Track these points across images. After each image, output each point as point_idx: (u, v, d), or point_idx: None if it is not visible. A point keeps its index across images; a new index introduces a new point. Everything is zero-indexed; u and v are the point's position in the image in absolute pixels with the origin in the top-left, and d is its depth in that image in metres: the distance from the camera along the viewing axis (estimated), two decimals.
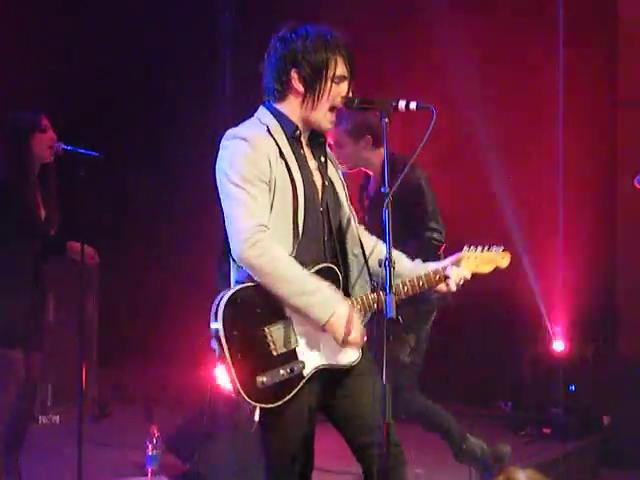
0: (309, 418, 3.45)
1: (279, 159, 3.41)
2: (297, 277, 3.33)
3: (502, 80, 7.26)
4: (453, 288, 3.60)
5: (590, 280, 7.29)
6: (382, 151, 4.88)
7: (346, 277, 3.53)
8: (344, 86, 3.47)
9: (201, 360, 5.25)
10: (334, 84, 3.45)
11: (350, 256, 3.56)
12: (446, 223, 5.13)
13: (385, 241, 3.22)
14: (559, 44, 7.29)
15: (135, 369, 7.22)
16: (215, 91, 6.60)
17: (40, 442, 6.36)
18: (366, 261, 3.57)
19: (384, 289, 3.16)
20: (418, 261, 3.70)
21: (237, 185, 3.35)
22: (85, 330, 6.73)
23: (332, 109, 3.48)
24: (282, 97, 3.49)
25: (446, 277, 3.60)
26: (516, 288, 6.97)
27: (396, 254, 3.52)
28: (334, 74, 3.44)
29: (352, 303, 3.45)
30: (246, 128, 3.47)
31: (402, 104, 3.36)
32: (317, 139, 3.58)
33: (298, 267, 3.35)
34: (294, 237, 3.39)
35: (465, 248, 3.68)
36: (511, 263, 3.72)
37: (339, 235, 3.56)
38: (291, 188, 3.40)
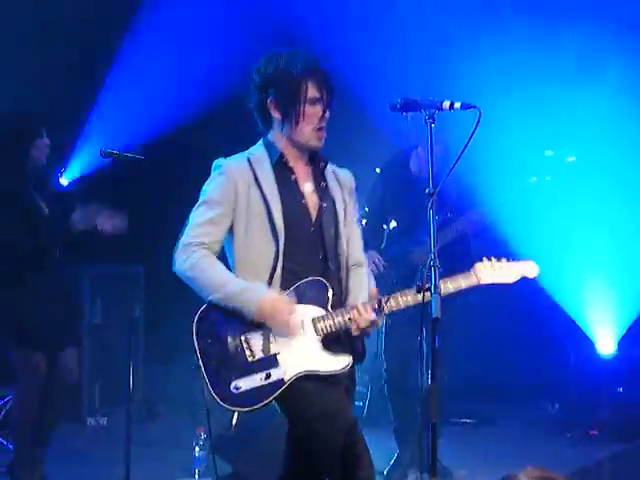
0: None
1: (253, 187, 3.59)
2: (222, 282, 3.51)
3: None
4: (362, 326, 3.56)
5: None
6: None
7: (342, 290, 3.67)
8: (318, 107, 3.59)
9: None
10: (309, 106, 3.58)
11: (347, 269, 3.70)
12: None
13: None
14: None
15: (183, 370, 7.26)
16: None
17: (88, 443, 6.44)
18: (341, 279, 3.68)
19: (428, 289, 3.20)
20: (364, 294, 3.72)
21: (198, 206, 3.63)
22: (133, 332, 6.80)
23: (319, 129, 3.61)
24: (267, 126, 3.69)
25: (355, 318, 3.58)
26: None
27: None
28: (306, 97, 3.57)
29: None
30: (228, 159, 3.69)
31: (447, 104, 3.37)
32: (318, 164, 3.73)
33: (224, 272, 3.54)
34: (275, 258, 3.54)
35: (484, 259, 3.72)
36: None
37: (335, 251, 3.68)
38: (266, 213, 3.57)
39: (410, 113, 3.41)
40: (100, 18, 7.33)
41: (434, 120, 3.39)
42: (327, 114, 3.61)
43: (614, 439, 6.44)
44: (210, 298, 3.53)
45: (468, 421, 7.06)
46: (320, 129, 3.61)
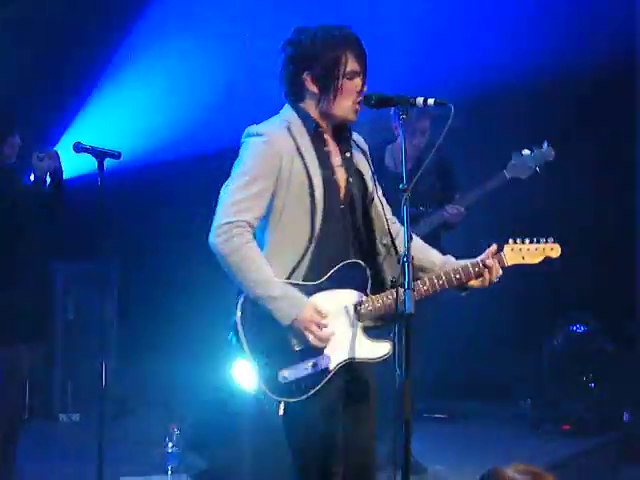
0: (335, 414, 3.44)
1: (296, 157, 3.43)
2: (262, 279, 3.35)
3: None
4: (493, 279, 3.57)
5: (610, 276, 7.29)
6: None
7: (377, 270, 3.52)
8: (358, 81, 3.48)
9: (221, 357, 5.27)
10: (347, 80, 3.46)
11: (379, 247, 3.55)
12: None
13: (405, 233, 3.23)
14: None
15: (155, 366, 7.24)
16: None
17: (60, 440, 6.42)
18: (397, 251, 3.54)
19: (402, 285, 3.16)
20: (449, 256, 3.67)
21: (238, 178, 3.40)
22: (106, 328, 6.76)
23: (354, 102, 3.49)
24: (300, 98, 3.52)
25: (487, 267, 3.55)
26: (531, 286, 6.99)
27: (423, 248, 3.60)
28: (345, 71, 3.45)
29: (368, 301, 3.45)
30: (266, 125, 3.50)
31: (420, 100, 3.37)
32: (343, 133, 3.59)
33: (267, 269, 3.36)
34: (310, 234, 3.41)
35: (510, 240, 3.65)
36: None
37: (366, 228, 3.56)
38: (308, 186, 3.42)
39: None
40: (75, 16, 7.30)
41: (408, 116, 3.40)
42: (365, 87, 3.50)
43: (586, 434, 6.48)
44: (247, 291, 3.36)
45: (442, 417, 7.08)
46: (358, 103, 3.49)
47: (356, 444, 3.51)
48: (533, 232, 3.72)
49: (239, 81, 7.26)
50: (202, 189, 7.21)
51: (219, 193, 3.44)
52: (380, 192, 3.62)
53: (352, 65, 3.46)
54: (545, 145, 5.54)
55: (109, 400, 6.90)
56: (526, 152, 5.41)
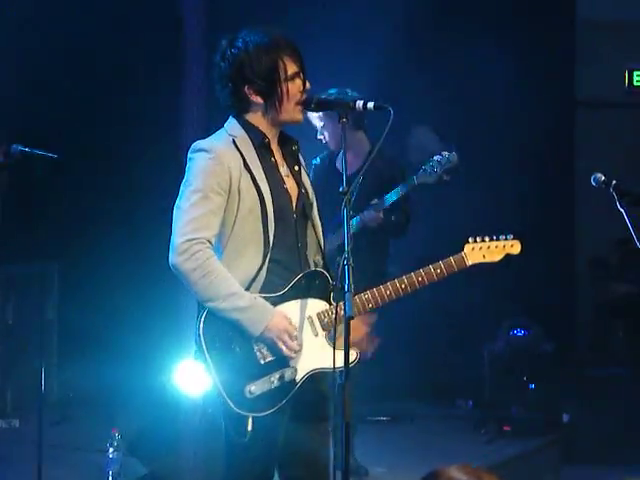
0: (301, 427, 3.47)
1: (244, 171, 3.41)
2: (229, 292, 3.33)
3: None
4: None
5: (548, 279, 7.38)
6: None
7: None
8: (299, 81, 3.48)
9: (163, 361, 5.24)
10: (289, 83, 3.45)
11: (311, 263, 3.55)
12: None
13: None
14: None
15: (96, 371, 7.17)
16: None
17: None
18: (327, 269, 3.56)
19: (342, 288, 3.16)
20: None
21: (191, 196, 3.37)
22: (45, 332, 6.69)
23: (298, 103, 3.48)
24: (244, 111, 3.50)
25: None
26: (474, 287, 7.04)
27: None
28: (286, 75, 3.44)
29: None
30: (212, 141, 3.48)
31: (359, 104, 3.38)
32: (290, 146, 3.58)
33: (232, 281, 3.34)
34: (265, 246, 3.40)
35: (470, 239, 3.63)
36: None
37: (313, 239, 3.57)
38: (258, 199, 3.41)
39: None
40: None
41: (348, 120, 3.40)
42: (308, 85, 3.49)
43: (527, 435, 6.55)
44: (211, 305, 3.32)
45: (384, 419, 7.10)
46: (299, 103, 3.47)
47: (313, 456, 3.51)
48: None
49: None
50: (145, 183, 7.24)
51: (172, 211, 3.41)
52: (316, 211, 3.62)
53: (290, 67, 3.45)
54: (451, 151, 5.58)
55: (49, 405, 6.85)
56: (433, 158, 5.47)
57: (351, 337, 3.17)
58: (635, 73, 7.96)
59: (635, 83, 7.99)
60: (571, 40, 7.87)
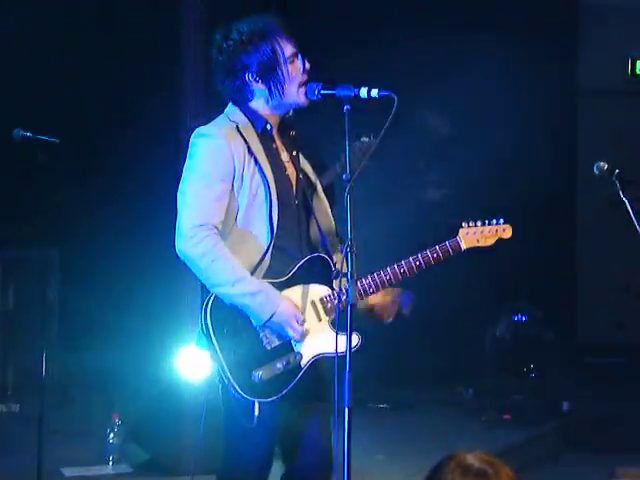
0: (303, 413, 3.49)
1: (248, 157, 3.41)
2: (239, 277, 3.33)
3: None
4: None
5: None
6: None
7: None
8: (298, 62, 3.48)
9: (164, 346, 5.25)
10: (289, 65, 3.46)
11: (327, 244, 3.55)
12: None
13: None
14: None
15: (97, 356, 7.18)
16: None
17: (0, 431, 6.33)
18: (330, 254, 3.55)
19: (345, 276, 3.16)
20: None
21: (194, 183, 3.38)
22: (46, 317, 6.68)
23: (301, 84, 3.48)
24: (249, 99, 3.50)
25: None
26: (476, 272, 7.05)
27: None
28: (285, 57, 3.45)
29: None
30: (215, 126, 3.48)
31: (364, 91, 3.37)
32: (288, 132, 3.58)
33: (240, 267, 3.35)
34: (269, 232, 3.41)
35: (464, 224, 3.62)
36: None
37: (315, 224, 3.55)
38: (263, 185, 3.41)
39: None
40: None
41: (352, 108, 3.39)
42: (307, 65, 3.49)
43: (527, 422, 6.56)
44: (219, 291, 3.33)
45: (384, 406, 7.11)
46: (302, 84, 3.47)
47: (314, 443, 3.52)
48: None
49: None
50: (146, 167, 7.23)
51: (176, 196, 3.41)
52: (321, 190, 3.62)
53: (288, 49, 3.46)
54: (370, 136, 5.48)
55: (50, 390, 6.85)
56: (355, 144, 5.33)
57: (376, 302, 3.29)
58: (638, 62, 7.93)
59: (638, 71, 7.96)
60: (574, 28, 7.85)
